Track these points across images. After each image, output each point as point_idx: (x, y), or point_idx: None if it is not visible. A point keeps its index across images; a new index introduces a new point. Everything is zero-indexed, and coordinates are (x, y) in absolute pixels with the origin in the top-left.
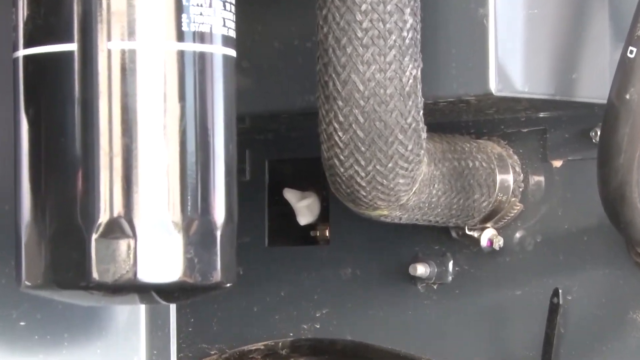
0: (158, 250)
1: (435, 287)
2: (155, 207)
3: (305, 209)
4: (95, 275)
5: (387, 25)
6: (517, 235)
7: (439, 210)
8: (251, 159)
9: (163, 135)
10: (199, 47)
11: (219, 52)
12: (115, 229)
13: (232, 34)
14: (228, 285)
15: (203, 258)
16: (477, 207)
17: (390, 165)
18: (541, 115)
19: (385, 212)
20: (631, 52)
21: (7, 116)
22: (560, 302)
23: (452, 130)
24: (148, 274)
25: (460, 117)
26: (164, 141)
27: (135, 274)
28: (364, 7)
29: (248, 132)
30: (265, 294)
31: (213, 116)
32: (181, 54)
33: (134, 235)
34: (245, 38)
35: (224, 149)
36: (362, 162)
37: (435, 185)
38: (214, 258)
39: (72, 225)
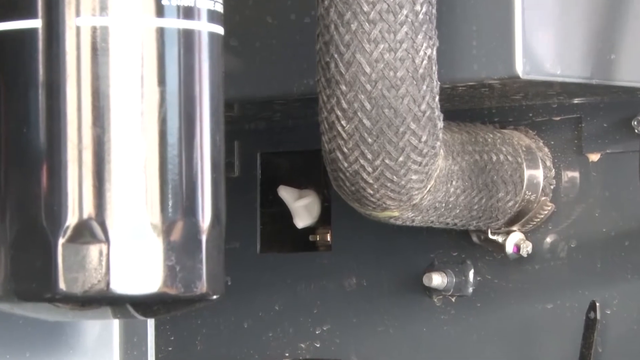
0: (134, 257)
1: (453, 300)
2: (131, 207)
3: (303, 209)
4: (62, 285)
5: None
6: (548, 240)
7: (458, 211)
8: (241, 152)
9: (140, 124)
10: (182, 24)
11: (205, 29)
12: (85, 233)
13: (220, 8)
14: (214, 297)
15: (186, 266)
16: (502, 208)
17: (401, 159)
18: (575, 101)
19: (396, 214)
20: None
21: None
22: (598, 317)
23: (472, 118)
24: (123, 284)
25: (482, 103)
26: (141, 131)
27: (107, 284)
28: None
29: (237, 121)
30: (258, 307)
31: (198, 103)
32: (161, 32)
33: (107, 240)
34: (234, 13)
35: (210, 141)
36: (369, 156)
37: (453, 182)
38: (198, 266)
39: (36, 228)
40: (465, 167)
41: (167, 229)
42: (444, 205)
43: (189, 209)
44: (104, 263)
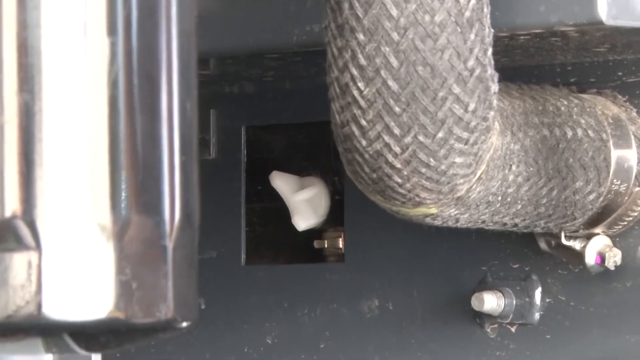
0: (75, 270)
1: (513, 329)
2: (71, 202)
3: (305, 205)
4: None
5: None
6: None
7: (520, 206)
8: (219, 126)
9: (83, 89)
10: None
11: None
12: (8, 236)
13: None
14: (184, 324)
15: (146, 282)
16: (580, 202)
17: (440, 135)
18: None
19: (433, 210)
20: None
21: None
22: None
23: (540, 79)
24: (59, 307)
25: (553, 58)
26: (83, 99)
27: (39, 306)
28: None
29: (215, 83)
30: (243, 340)
31: (161, 58)
32: None
33: (38, 246)
34: None
35: (178, 111)
36: (396, 131)
37: (513, 167)
38: (162, 282)
39: None
40: (530, 146)
41: (119, 232)
42: (500, 198)
43: (150, 204)
44: (33, 278)
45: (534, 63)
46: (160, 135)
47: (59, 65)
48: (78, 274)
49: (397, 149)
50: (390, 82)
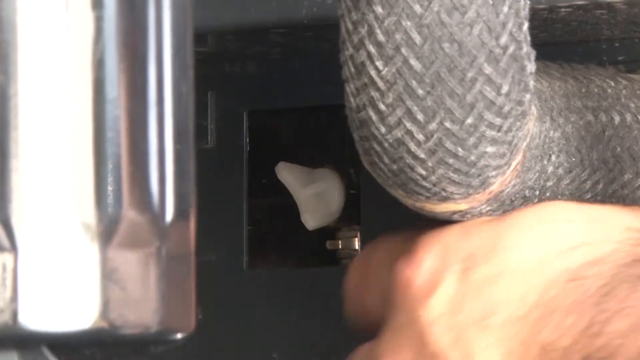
0: (55, 274)
1: None
2: (50, 198)
3: (315, 200)
4: None
5: None
6: None
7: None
8: (219, 110)
9: (64, 70)
10: None
11: None
12: None
13: None
14: (179, 336)
15: (135, 288)
16: (630, 197)
17: (470, 121)
18: None
19: (462, 207)
20: None
21: None
22: None
23: (583, 57)
24: (37, 316)
25: (598, 33)
26: (65, 81)
27: (14, 315)
28: None
29: (213, 62)
30: (246, 353)
31: (152, 34)
32: None
33: (13, 248)
34: None
35: (172, 94)
36: (420, 116)
37: (553, 158)
38: (154, 287)
39: None
40: (572, 133)
41: (105, 231)
42: (537, 193)
43: (140, 199)
44: (8, 283)
45: (576, 39)
46: (151, 121)
47: (37, 42)
48: (59, 279)
49: (421, 137)
50: (413, 61)
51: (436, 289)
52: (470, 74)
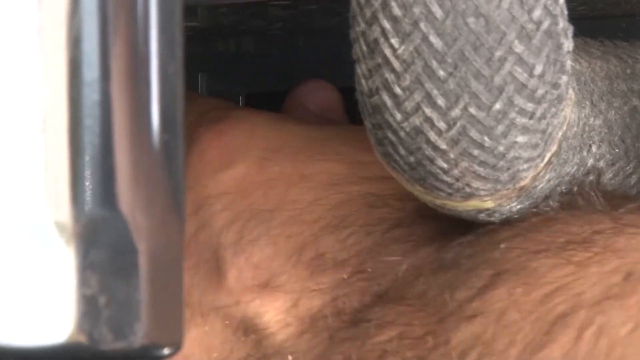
0: (26, 281)
1: None
2: (21, 195)
3: None
4: None
5: None
6: None
7: None
8: (211, 93)
9: (35, 49)
10: None
11: None
12: None
13: None
14: (165, 351)
15: (116, 296)
16: None
17: (498, 106)
18: None
19: (489, 204)
20: None
21: None
22: None
23: (628, 33)
24: (6, 330)
25: None
26: (36, 62)
27: None
28: None
29: (204, 39)
30: None
31: (135, 9)
32: None
33: None
34: None
35: (158, 76)
36: (441, 101)
37: (593, 149)
38: (137, 296)
39: None
40: (615, 120)
41: (83, 232)
42: (575, 189)
43: (122, 196)
44: None
45: (620, 12)
46: (135, 107)
47: (5, 17)
48: (30, 287)
49: (442, 125)
50: (433, 38)
51: (229, 166)
52: (498, 53)
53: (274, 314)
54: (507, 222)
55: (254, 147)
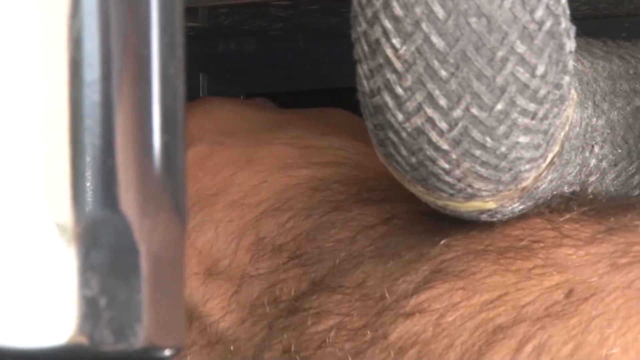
0: (27, 282)
1: None
2: (21, 196)
3: None
4: None
5: None
6: None
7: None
8: (212, 94)
9: (36, 49)
10: None
11: None
12: None
13: None
14: (167, 352)
15: (117, 297)
16: None
17: (499, 106)
18: None
19: (491, 205)
20: None
21: None
22: None
23: (631, 32)
24: (6, 331)
25: None
26: (37, 62)
27: None
28: None
29: (205, 39)
30: None
31: (136, 9)
32: None
33: None
34: None
35: (159, 76)
36: (443, 101)
37: (596, 149)
38: (138, 297)
39: None
40: (618, 121)
41: (84, 233)
42: (578, 189)
43: (123, 197)
44: None
45: (623, 12)
46: (135, 108)
47: (5, 17)
48: (31, 288)
49: (444, 125)
50: (435, 38)
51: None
52: (500, 53)
53: (217, 300)
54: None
55: (208, 131)
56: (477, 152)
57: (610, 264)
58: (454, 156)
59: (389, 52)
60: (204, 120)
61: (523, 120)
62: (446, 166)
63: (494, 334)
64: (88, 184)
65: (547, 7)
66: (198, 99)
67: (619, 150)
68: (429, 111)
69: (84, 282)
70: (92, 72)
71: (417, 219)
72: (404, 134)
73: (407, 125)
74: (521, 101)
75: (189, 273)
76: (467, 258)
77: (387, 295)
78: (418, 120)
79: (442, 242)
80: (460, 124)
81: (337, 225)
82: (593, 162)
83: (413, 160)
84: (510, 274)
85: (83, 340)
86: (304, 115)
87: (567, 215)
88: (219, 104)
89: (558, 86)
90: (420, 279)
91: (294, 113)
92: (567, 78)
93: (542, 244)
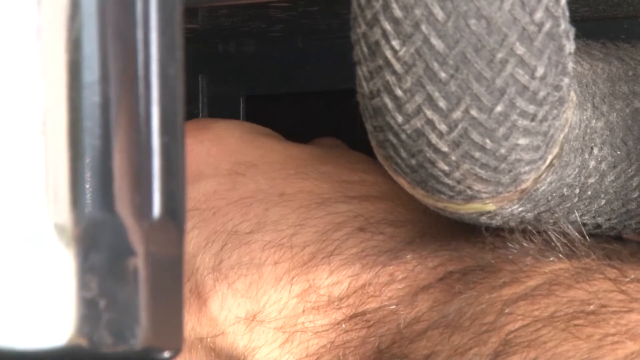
0: (25, 284)
1: None
2: (20, 197)
3: None
4: None
5: None
6: None
7: (603, 202)
8: (211, 95)
9: (35, 51)
10: None
11: None
12: None
13: None
14: (166, 354)
15: (116, 299)
16: None
17: (499, 108)
18: None
19: (490, 207)
20: None
21: None
22: None
23: (630, 34)
24: (4, 333)
25: None
26: (36, 63)
27: None
28: None
29: (204, 41)
30: None
31: (135, 11)
32: None
33: None
34: None
35: (158, 77)
36: (442, 103)
37: (595, 151)
38: (136, 299)
39: None
40: (617, 122)
41: (82, 235)
42: (577, 191)
43: (122, 198)
44: None
45: (622, 14)
46: (134, 109)
47: (4, 18)
48: (30, 290)
49: (443, 127)
50: (434, 40)
51: (198, 180)
52: (500, 55)
53: (267, 350)
54: (508, 263)
55: (223, 160)
56: (477, 154)
57: None
58: (453, 158)
59: (389, 53)
60: (214, 147)
61: (522, 122)
62: (446, 168)
63: None
64: (87, 186)
65: (547, 8)
66: (195, 120)
67: (618, 152)
68: (429, 113)
69: (83, 284)
70: (91, 73)
71: (471, 279)
72: (403, 136)
73: (406, 127)
74: (521, 103)
75: (228, 317)
76: (535, 326)
77: None
78: (417, 122)
79: (506, 310)
80: (459, 126)
81: (396, 279)
82: (592, 164)
83: (413, 162)
84: (581, 342)
85: (82, 341)
86: (326, 151)
87: (632, 275)
88: (227, 129)
89: (557, 88)
90: (491, 351)
91: (315, 147)
92: (566, 80)
93: (610, 309)
